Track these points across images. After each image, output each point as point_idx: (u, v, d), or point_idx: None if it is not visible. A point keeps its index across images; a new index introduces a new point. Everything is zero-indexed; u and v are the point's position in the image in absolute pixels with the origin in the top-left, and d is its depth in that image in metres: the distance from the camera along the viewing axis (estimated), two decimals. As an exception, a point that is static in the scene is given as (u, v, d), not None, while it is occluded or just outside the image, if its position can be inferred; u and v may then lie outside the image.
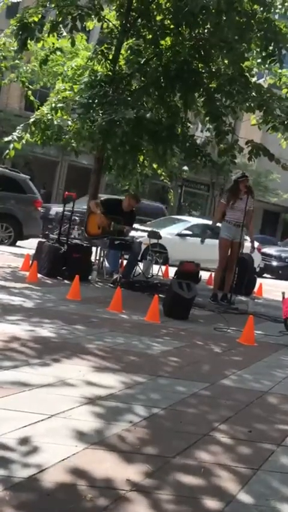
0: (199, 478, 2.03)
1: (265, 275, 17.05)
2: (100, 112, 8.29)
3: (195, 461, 2.18)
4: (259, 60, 9.49)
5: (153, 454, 2.17)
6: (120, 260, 8.35)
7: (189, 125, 10.24)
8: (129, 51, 9.55)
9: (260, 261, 15.54)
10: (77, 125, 9.03)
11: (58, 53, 10.07)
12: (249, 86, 8.97)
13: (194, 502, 1.85)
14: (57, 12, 8.68)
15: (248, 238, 8.70)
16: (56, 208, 15.54)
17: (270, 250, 18.41)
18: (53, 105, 9.65)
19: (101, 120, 8.01)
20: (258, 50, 9.09)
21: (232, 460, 2.25)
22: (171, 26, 9.20)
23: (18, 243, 12.41)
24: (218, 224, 8.29)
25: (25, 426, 2.22)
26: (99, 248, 8.75)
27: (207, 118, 9.30)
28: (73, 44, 9.15)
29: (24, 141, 9.65)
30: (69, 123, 9.53)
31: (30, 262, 7.43)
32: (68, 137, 9.67)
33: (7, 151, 9.56)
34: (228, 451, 2.34)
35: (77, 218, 12.52)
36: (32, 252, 8.41)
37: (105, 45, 9.44)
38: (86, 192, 12.12)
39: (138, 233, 10.22)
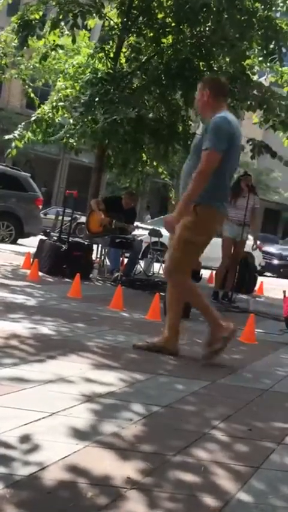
0: (199, 477, 2.04)
1: (266, 273, 17.04)
2: (102, 111, 8.30)
3: (194, 459, 2.18)
4: (260, 59, 9.49)
5: (153, 452, 2.17)
6: (121, 258, 8.36)
7: (190, 123, 10.24)
8: (129, 49, 9.55)
9: (261, 260, 15.54)
10: (79, 124, 9.03)
11: (60, 50, 10.06)
12: (250, 84, 8.98)
13: (194, 500, 1.85)
14: (58, 10, 8.68)
15: (250, 236, 8.69)
16: None
17: (271, 248, 18.40)
18: (54, 103, 9.65)
19: (103, 120, 8.02)
20: (260, 48, 9.09)
21: (232, 458, 2.25)
22: (173, 24, 9.20)
23: (19, 241, 12.42)
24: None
25: (26, 424, 2.22)
26: (100, 246, 8.75)
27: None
28: (74, 41, 9.15)
29: (26, 139, 9.66)
30: (71, 121, 9.55)
31: (31, 260, 7.44)
32: (66, 134, 9.66)
33: (9, 150, 9.57)
34: (228, 450, 2.34)
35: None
36: (33, 250, 8.42)
37: (106, 43, 9.43)
38: (87, 190, 12.13)
39: (140, 231, 10.22)
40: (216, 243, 8.54)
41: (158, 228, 11.26)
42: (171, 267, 3.94)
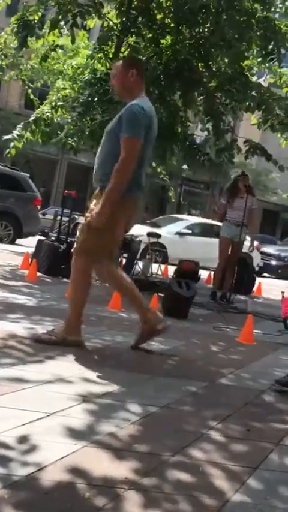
0: (197, 477, 2.04)
1: (264, 274, 17.05)
2: (100, 110, 8.30)
3: (192, 460, 2.18)
4: (259, 59, 9.49)
5: (150, 453, 2.17)
6: (119, 259, 8.35)
7: (189, 123, 10.24)
8: (128, 50, 9.54)
9: (259, 260, 15.55)
10: (76, 124, 9.02)
11: (59, 50, 10.05)
12: (249, 84, 8.97)
13: (192, 501, 1.85)
14: (58, 10, 8.68)
15: (248, 237, 8.69)
16: None
17: (270, 249, 18.41)
18: (53, 103, 9.64)
19: (101, 118, 8.02)
20: (258, 49, 9.09)
21: (230, 459, 2.26)
22: (172, 25, 9.19)
23: (18, 241, 12.41)
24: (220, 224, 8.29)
25: (24, 424, 2.22)
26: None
27: (207, 117, 9.30)
28: (73, 40, 9.13)
29: (24, 139, 9.65)
30: (69, 121, 9.54)
31: (30, 260, 7.43)
32: (65, 134, 9.64)
33: (8, 150, 9.56)
34: (226, 450, 2.34)
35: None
36: (32, 250, 8.42)
37: (105, 44, 9.42)
38: (86, 191, 12.13)
39: (138, 232, 10.22)
40: (214, 243, 8.58)
41: (156, 228, 11.27)
42: (76, 248, 3.81)
